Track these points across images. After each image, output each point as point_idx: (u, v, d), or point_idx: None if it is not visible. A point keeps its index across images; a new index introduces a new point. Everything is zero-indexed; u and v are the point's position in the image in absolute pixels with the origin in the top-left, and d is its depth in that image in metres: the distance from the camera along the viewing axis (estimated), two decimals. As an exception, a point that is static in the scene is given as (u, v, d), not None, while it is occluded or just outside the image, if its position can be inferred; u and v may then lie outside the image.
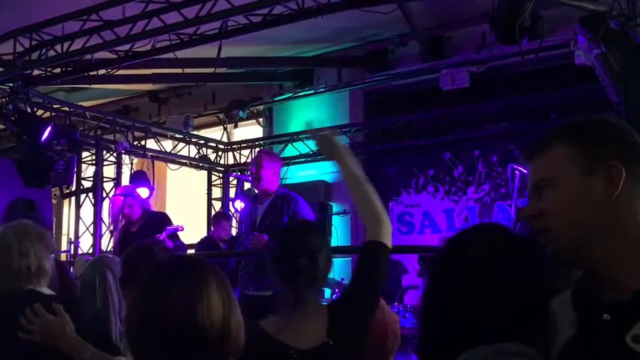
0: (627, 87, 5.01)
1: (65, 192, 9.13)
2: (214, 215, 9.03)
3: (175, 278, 1.61)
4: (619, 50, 5.27)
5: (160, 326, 1.56)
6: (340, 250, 8.04)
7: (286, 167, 9.16)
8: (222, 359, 1.60)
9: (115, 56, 6.72)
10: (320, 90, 9.08)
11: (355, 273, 2.54)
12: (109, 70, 7.16)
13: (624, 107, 5.00)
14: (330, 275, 7.35)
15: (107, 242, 8.74)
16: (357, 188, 2.61)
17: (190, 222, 9.28)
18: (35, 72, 7.23)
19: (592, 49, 5.50)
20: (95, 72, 7.30)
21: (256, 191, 6.16)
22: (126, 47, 6.52)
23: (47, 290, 2.70)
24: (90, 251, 8.64)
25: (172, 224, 6.72)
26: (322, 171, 9.20)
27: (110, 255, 3.36)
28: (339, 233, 8.28)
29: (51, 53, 6.69)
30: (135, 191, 7.23)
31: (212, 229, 8.64)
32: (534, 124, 7.43)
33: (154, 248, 2.91)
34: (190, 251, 7.48)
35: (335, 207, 8.78)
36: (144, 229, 6.69)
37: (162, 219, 6.85)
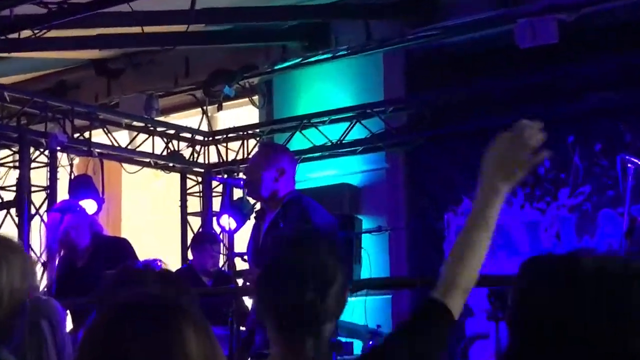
0: None
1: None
2: (195, 237, 9.01)
3: (136, 333, 1.66)
4: None
5: None
6: (375, 284, 7.97)
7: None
8: None
9: (46, 10, 6.69)
10: (341, 53, 9.05)
11: (401, 332, 2.55)
12: (35, 32, 7.14)
13: None
14: (361, 321, 7.35)
15: (37, 279, 8.70)
16: (476, 232, 2.63)
17: (157, 248, 9.21)
18: None
19: None
20: (16, 35, 7.26)
21: (252, 203, 6.14)
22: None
23: None
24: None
25: (135, 256, 6.69)
26: (346, 170, 9.25)
27: (44, 297, 3.37)
28: (371, 259, 8.24)
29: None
30: (78, 206, 7.20)
31: (191, 256, 8.61)
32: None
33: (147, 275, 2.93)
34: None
35: (367, 223, 8.75)
36: (96, 263, 6.65)
37: (121, 248, 6.82)
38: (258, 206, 6.56)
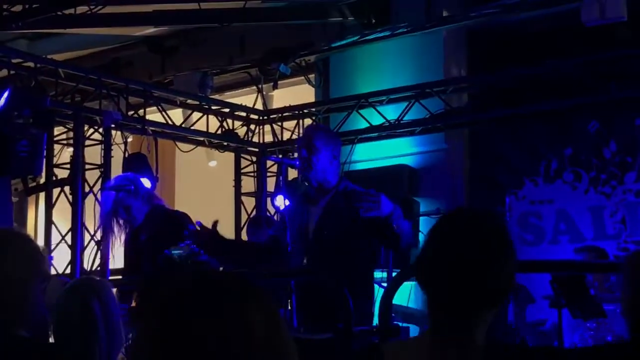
0: None
1: (30, 185, 9.20)
2: (251, 219, 9.03)
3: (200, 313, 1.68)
4: None
5: None
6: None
7: (351, 145, 9.12)
8: None
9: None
10: (401, 30, 8.96)
11: None
12: (91, 7, 7.16)
13: None
14: (417, 305, 7.27)
15: (91, 257, 8.79)
16: None
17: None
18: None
19: None
20: (72, 10, 7.28)
21: (307, 184, 6.12)
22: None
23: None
24: (68, 270, 8.70)
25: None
26: (405, 151, 9.22)
27: (97, 278, 3.41)
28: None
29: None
30: (137, 181, 7.25)
31: (246, 238, 8.62)
32: None
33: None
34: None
35: (424, 205, 8.76)
36: (159, 236, 6.71)
37: (183, 222, 6.85)
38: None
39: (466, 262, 2.32)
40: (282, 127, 10.25)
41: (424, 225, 8.50)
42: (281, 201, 7.90)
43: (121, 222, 6.80)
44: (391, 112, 9.23)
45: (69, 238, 8.87)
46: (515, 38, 8.90)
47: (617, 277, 7.27)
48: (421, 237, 8.39)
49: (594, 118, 8.50)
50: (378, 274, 6.26)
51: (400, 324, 6.41)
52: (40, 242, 9.11)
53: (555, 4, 8.19)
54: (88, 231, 8.81)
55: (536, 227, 8.75)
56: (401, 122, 9.16)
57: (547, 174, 8.76)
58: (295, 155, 7.91)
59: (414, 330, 7.05)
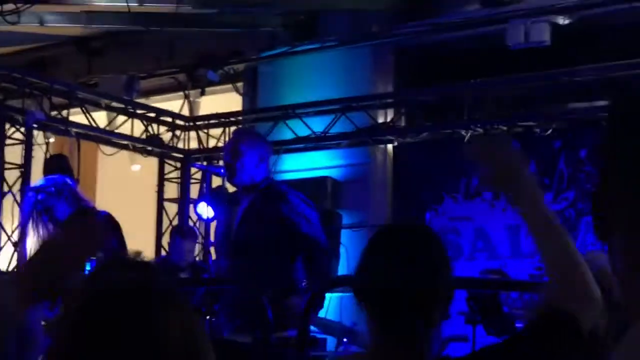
0: None
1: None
2: (174, 229, 9.01)
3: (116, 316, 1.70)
4: None
5: None
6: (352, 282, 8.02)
7: (276, 156, 9.15)
8: None
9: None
10: (330, 44, 9.07)
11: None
12: (18, 5, 7.12)
13: None
14: (337, 318, 7.39)
15: (8, 259, 8.71)
16: (550, 236, 2.42)
17: (132, 234, 9.23)
18: None
19: None
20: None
21: (229, 190, 6.17)
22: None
23: None
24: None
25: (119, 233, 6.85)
26: (330, 163, 9.26)
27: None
28: (349, 256, 8.27)
29: None
30: (62, 184, 7.23)
31: (167, 244, 8.64)
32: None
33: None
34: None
35: (347, 218, 8.79)
36: None
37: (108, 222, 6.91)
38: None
39: (403, 278, 2.37)
40: (207, 135, 10.23)
41: (345, 237, 8.56)
42: (204, 209, 7.94)
43: (49, 224, 6.79)
44: (318, 124, 9.27)
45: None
46: (442, 57, 8.99)
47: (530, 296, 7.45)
48: (342, 250, 8.46)
49: (515, 138, 8.57)
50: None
51: (318, 335, 6.47)
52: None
53: (480, 26, 8.35)
54: (5, 231, 8.73)
55: (454, 244, 8.78)
56: (327, 134, 9.22)
57: (467, 191, 8.83)
58: (221, 162, 7.93)
59: (330, 342, 7.07)
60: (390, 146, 9.28)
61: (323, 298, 5.94)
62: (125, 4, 8.01)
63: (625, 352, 1.28)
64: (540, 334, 2.40)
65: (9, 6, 7.20)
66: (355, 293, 2.50)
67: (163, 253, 9.53)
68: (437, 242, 2.57)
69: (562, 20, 7.95)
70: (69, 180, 7.32)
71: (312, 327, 6.08)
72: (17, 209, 8.49)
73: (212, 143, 10.11)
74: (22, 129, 8.92)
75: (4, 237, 8.77)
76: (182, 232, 8.57)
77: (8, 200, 8.74)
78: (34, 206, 6.82)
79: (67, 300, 2.69)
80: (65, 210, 6.77)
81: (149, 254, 8.91)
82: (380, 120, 9.15)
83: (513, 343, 2.57)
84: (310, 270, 6.06)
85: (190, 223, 9.67)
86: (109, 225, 6.99)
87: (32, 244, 6.98)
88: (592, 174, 8.04)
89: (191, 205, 9.60)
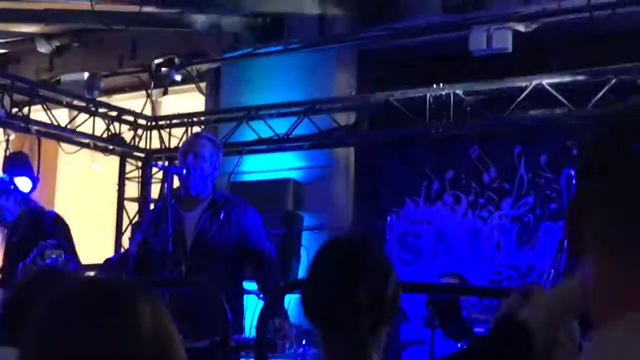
0: None
1: None
2: (134, 225, 8.95)
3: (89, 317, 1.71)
4: None
5: None
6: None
7: (238, 157, 9.17)
8: None
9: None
10: (293, 46, 9.10)
11: None
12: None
13: None
14: (296, 320, 7.44)
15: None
16: None
17: (91, 232, 9.21)
18: None
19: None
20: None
21: (181, 190, 6.20)
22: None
23: None
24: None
25: (67, 232, 6.81)
26: (292, 165, 9.27)
27: None
28: (310, 256, 8.31)
29: None
30: (12, 183, 7.19)
31: (127, 244, 8.59)
32: (606, 109, 7.46)
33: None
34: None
35: (309, 220, 8.86)
36: (24, 239, 6.74)
37: (56, 222, 6.90)
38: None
39: (346, 289, 2.44)
40: (169, 134, 10.19)
41: (306, 239, 8.61)
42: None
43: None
44: (280, 126, 9.26)
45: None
46: (405, 61, 9.06)
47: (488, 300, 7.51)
48: (303, 251, 8.52)
49: (476, 144, 8.64)
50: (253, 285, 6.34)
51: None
52: None
53: (443, 31, 8.41)
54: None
55: (414, 247, 8.83)
56: (290, 136, 9.23)
57: (428, 195, 8.85)
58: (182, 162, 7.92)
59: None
60: (352, 149, 9.31)
61: (279, 302, 6.01)
62: (89, 2, 7.97)
63: None
64: (497, 342, 2.38)
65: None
66: (304, 311, 2.57)
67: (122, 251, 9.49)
68: (376, 254, 2.65)
69: (524, 28, 7.99)
70: (17, 180, 7.34)
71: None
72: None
73: (174, 143, 10.01)
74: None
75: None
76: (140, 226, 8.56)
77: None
78: None
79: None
80: (11, 210, 6.78)
81: (108, 252, 8.91)
82: (343, 123, 9.16)
83: (469, 352, 2.58)
84: (258, 276, 6.20)
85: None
86: (58, 225, 7.02)
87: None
88: (552, 179, 8.11)
89: (151, 205, 9.58)
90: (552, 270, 6.47)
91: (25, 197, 7.20)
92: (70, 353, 1.69)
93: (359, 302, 2.43)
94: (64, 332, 1.72)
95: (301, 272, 8.34)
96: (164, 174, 9.33)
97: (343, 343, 2.45)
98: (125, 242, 9.26)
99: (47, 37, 10.23)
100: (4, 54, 10.59)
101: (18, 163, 8.18)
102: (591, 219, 1.29)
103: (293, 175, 9.19)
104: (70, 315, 1.74)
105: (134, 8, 7.93)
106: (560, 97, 7.92)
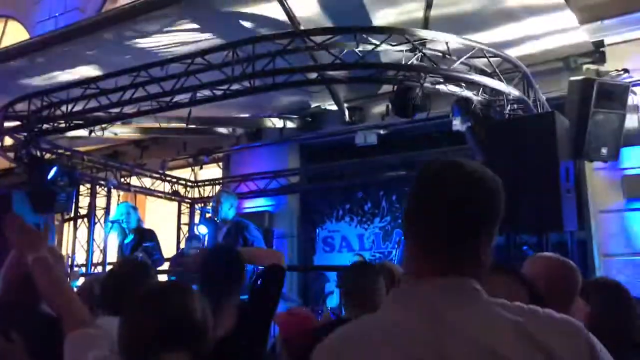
0: (489, 152, 5.27)
1: (65, 217, 8.86)
2: (188, 237, 8.90)
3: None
4: (483, 124, 5.55)
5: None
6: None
7: (240, 199, 9.15)
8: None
9: (108, 116, 6.60)
10: (267, 143, 9.12)
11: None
12: (103, 127, 7.04)
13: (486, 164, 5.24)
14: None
15: (98, 258, 8.54)
16: None
17: (163, 242, 9.10)
18: (45, 125, 7.02)
19: (464, 122, 5.77)
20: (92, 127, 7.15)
21: (216, 220, 6.18)
22: (117, 109, 6.40)
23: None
24: (84, 264, 8.40)
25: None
26: (267, 203, 9.18)
27: None
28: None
29: (58, 112, 6.55)
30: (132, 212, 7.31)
31: (183, 246, 8.48)
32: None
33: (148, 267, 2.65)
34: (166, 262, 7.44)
35: (277, 233, 8.76)
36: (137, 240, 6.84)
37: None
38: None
39: None
40: (204, 190, 10.08)
41: (278, 244, 8.55)
42: (202, 228, 7.86)
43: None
44: (261, 183, 9.22)
45: (85, 246, 8.52)
46: (323, 149, 9.00)
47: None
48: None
49: (360, 190, 8.65)
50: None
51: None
52: (69, 249, 8.74)
53: (341, 134, 8.36)
54: (96, 243, 8.51)
55: (330, 244, 8.79)
56: (266, 189, 9.20)
57: (337, 217, 8.84)
58: (211, 205, 7.90)
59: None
60: (298, 194, 9.25)
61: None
62: (158, 124, 7.96)
63: None
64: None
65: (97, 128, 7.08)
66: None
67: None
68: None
69: (383, 131, 8.09)
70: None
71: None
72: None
73: (207, 194, 9.97)
74: (105, 189, 8.77)
75: (95, 245, 8.54)
76: (197, 237, 8.50)
77: (97, 226, 8.56)
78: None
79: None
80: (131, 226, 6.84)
81: (172, 252, 8.78)
82: (294, 181, 9.14)
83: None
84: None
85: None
86: (153, 235, 6.99)
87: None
88: (398, 207, 8.16)
89: (195, 228, 9.50)
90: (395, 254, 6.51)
91: (138, 219, 7.22)
92: (154, 321, 1.61)
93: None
94: (151, 307, 1.64)
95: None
96: (200, 211, 9.30)
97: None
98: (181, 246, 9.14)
99: (139, 140, 10.16)
100: (115, 150, 10.41)
101: (133, 207, 8.08)
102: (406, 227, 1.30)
103: (268, 209, 9.11)
104: (154, 298, 1.67)
105: (182, 125, 7.90)
106: (402, 166, 7.98)
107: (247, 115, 8.88)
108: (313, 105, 8.58)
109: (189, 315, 1.66)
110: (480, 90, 5.45)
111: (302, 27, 5.34)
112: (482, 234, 1.20)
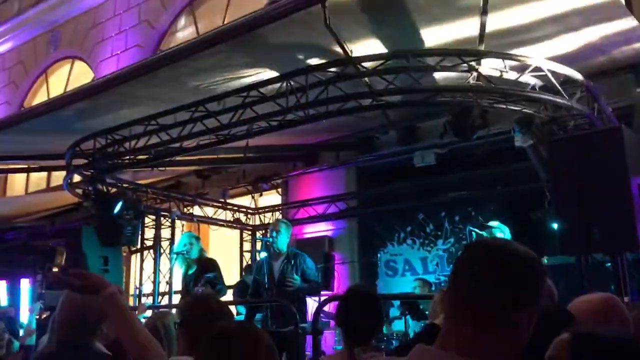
0: (554, 170, 5.07)
1: (132, 249, 9.15)
2: (247, 265, 8.99)
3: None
4: (545, 141, 5.35)
5: None
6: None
7: (300, 225, 9.17)
8: None
9: (169, 151, 6.80)
10: (324, 168, 9.14)
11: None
12: (165, 165, 7.26)
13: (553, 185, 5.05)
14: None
15: (165, 288, 8.73)
16: None
17: (226, 270, 9.22)
18: (109, 162, 7.31)
19: (525, 140, 5.58)
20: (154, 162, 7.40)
21: (275, 248, 6.20)
22: (177, 144, 6.58)
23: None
24: (152, 293, 8.61)
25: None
26: (326, 228, 9.16)
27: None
28: (341, 278, 8.25)
29: (121, 149, 6.82)
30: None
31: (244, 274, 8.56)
32: (485, 192, 7.52)
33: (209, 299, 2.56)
34: (230, 291, 7.48)
35: (338, 258, 8.74)
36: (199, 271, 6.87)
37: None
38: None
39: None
40: (264, 217, 10.16)
41: (338, 268, 8.51)
42: (263, 255, 7.92)
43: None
44: (319, 208, 9.24)
45: (152, 277, 8.74)
46: (381, 172, 8.91)
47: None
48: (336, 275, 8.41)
49: (421, 212, 8.52)
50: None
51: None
52: (137, 279, 8.99)
53: (399, 155, 8.23)
54: (162, 273, 8.72)
55: (393, 268, 8.69)
56: (325, 214, 9.20)
57: (399, 240, 8.72)
58: (269, 235, 7.95)
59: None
60: (357, 218, 9.19)
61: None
62: (215, 155, 8.11)
63: None
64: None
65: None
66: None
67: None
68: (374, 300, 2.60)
69: (440, 150, 7.95)
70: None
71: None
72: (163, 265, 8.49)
73: (267, 220, 10.04)
74: (169, 220, 8.99)
75: (161, 276, 8.75)
76: (250, 268, 8.54)
77: (163, 257, 8.76)
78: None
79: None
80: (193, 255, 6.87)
81: (235, 278, 8.87)
82: (352, 205, 9.10)
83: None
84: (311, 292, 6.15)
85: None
86: (215, 264, 7.01)
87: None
88: (462, 229, 7.94)
89: (257, 255, 9.57)
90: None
91: (200, 249, 7.27)
92: None
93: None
94: (224, 350, 1.66)
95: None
96: (262, 239, 9.39)
97: None
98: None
99: (200, 171, 10.37)
100: (178, 180, 10.68)
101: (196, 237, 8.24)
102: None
103: (328, 234, 9.10)
104: (223, 344, 1.69)
105: (241, 155, 8.02)
106: (463, 186, 7.82)
107: (302, 141, 8.94)
108: (368, 128, 8.54)
109: None
110: (542, 107, 5.26)
111: (353, 54, 5.35)
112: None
